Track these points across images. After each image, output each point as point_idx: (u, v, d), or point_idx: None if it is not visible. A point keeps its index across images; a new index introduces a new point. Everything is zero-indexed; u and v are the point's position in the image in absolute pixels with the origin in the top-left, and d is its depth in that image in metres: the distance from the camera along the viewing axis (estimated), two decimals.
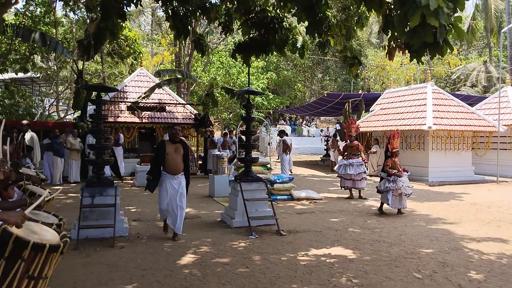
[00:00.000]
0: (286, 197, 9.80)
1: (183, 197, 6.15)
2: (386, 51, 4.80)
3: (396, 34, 4.41)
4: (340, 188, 10.50)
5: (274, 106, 31.04)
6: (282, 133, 15.55)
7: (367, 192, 10.89)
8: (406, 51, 4.42)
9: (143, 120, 15.04)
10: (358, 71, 5.94)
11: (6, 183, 3.22)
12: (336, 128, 23.30)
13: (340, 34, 5.55)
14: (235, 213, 7.02)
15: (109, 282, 4.35)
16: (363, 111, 17.93)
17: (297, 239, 6.23)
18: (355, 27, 6.78)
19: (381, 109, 16.85)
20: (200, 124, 15.14)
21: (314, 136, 28.77)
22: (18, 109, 19.67)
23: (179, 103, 16.41)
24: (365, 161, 10.63)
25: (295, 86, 35.47)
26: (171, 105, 15.96)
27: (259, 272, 4.72)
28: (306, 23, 5.02)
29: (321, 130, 28.98)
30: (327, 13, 5.39)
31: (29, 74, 21.08)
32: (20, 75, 20.47)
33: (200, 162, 15.81)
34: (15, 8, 16.90)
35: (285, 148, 14.54)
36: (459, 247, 5.88)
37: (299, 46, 5.28)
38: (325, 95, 18.81)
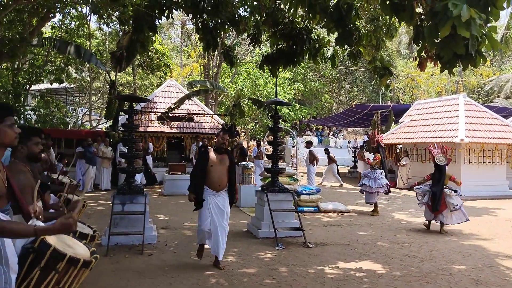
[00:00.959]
0: (312, 208, 9.71)
1: (227, 217, 5.38)
2: (417, 62, 4.73)
3: (426, 45, 4.35)
4: (366, 202, 10.18)
5: (301, 116, 30.97)
6: (309, 143, 15.48)
7: (397, 206, 10.64)
8: (438, 62, 4.34)
9: (172, 130, 15.34)
10: (388, 82, 5.87)
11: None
12: (364, 139, 23.00)
13: (370, 44, 5.52)
14: (261, 223, 7.01)
15: None
16: (393, 123, 17.64)
17: (324, 251, 6.15)
18: (384, 38, 6.73)
19: (411, 120, 16.52)
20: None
21: (341, 147, 28.49)
22: (52, 118, 20.39)
23: (207, 114, 16.65)
24: (367, 160, 10.51)
25: (322, 97, 35.34)
26: (199, 115, 16.21)
27: (286, 284, 4.68)
28: (336, 33, 5.03)
29: (349, 142, 28.70)
30: (357, 23, 5.38)
31: (63, 85, 21.86)
32: (55, 85, 21.26)
33: None
34: (51, 21, 17.69)
35: (312, 159, 14.45)
36: (493, 264, 5.65)
37: (329, 56, 5.28)
38: (353, 106, 18.65)
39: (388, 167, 17.34)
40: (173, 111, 15.30)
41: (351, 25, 4.98)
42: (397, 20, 5.00)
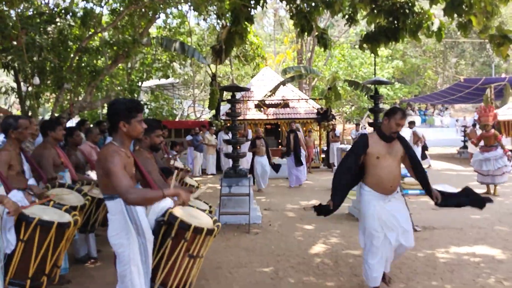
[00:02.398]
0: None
1: (409, 235, 3.78)
2: None
3: None
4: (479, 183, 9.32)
5: (401, 96, 29.24)
6: (412, 124, 14.62)
7: None
8: None
9: (269, 116, 15.75)
10: (509, 51, 5.27)
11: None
12: (474, 117, 20.92)
13: (484, 12, 5.01)
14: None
15: (248, 264, 4.74)
16: (510, 97, 15.74)
17: (434, 235, 5.86)
18: (498, 3, 6.04)
19: None
20: (322, 118, 15.19)
21: (448, 127, 26.27)
22: (162, 111, 22.39)
23: (302, 98, 16.71)
24: (507, 152, 9.29)
25: (425, 74, 32.82)
26: (294, 100, 16.35)
27: (394, 266, 4.59)
28: (444, 4, 4.66)
29: (457, 120, 26.34)
30: None
31: (170, 80, 23.73)
32: (163, 81, 23.19)
33: (323, 155, 15.88)
34: (156, 22, 19.24)
35: (416, 139, 13.63)
36: None
37: (436, 29, 4.92)
38: (462, 80, 17.04)
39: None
40: (269, 98, 15.69)
41: None
42: None
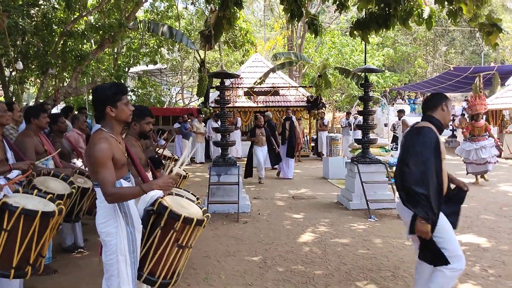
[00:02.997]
0: None
1: None
2: None
3: None
4: (466, 174, 9.40)
5: (391, 84, 29.31)
6: (401, 112, 14.69)
7: (503, 177, 9.71)
8: None
9: (259, 104, 15.64)
10: (497, 40, 5.25)
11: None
12: (463, 106, 21.11)
13: (474, 0, 4.96)
14: (352, 195, 6.94)
15: (236, 253, 4.72)
16: (498, 86, 15.87)
17: None
18: None
19: None
20: (312, 106, 15.15)
21: None
22: (149, 97, 22.12)
23: (292, 86, 16.63)
24: (498, 143, 9.37)
25: (415, 62, 32.90)
26: (284, 88, 16.26)
27: (381, 255, 4.63)
28: None
29: None
30: None
31: (157, 66, 23.43)
32: (150, 67, 22.87)
33: (312, 144, 15.89)
34: (143, 6, 18.85)
35: (405, 128, 13.71)
36: None
37: (426, 17, 4.86)
38: (451, 68, 17.10)
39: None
40: (259, 86, 15.56)
41: None
42: None
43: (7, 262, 2.66)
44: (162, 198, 2.72)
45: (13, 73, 12.23)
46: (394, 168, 9.07)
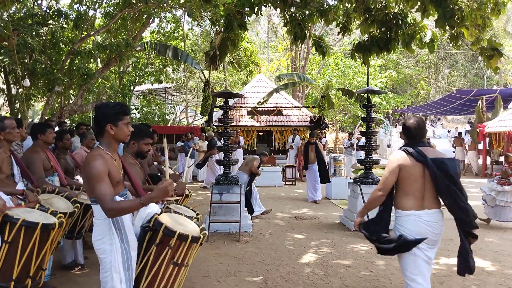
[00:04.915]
0: None
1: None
2: None
3: None
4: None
5: (394, 105, 29.44)
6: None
7: None
8: None
9: (262, 124, 15.74)
10: (498, 64, 5.31)
11: None
12: (465, 129, 21.16)
13: (474, 24, 5.05)
14: (355, 216, 6.87)
15: (237, 273, 4.67)
16: (501, 109, 15.91)
17: None
18: (490, 16, 6.10)
19: None
20: (315, 127, 15.22)
21: (440, 137, 26.44)
22: (154, 116, 22.28)
23: (295, 106, 16.75)
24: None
25: (418, 84, 33.12)
26: (287, 108, 16.38)
27: (384, 277, 4.57)
28: (436, 16, 4.68)
29: (449, 131, 26.54)
30: (459, 2, 4.95)
31: (162, 85, 23.66)
32: (155, 85, 23.12)
33: None
34: (150, 27, 19.21)
35: None
36: None
37: (428, 41, 4.94)
38: (454, 91, 17.22)
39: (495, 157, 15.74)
40: (262, 105, 15.71)
41: (453, 5, 4.58)
42: None
43: (8, 274, 2.67)
44: (158, 215, 2.73)
45: (20, 90, 12.40)
46: None
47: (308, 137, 10.34)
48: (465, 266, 3.23)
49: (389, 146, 19.76)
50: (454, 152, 18.34)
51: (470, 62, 33.22)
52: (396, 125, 27.12)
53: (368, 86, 8.80)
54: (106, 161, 2.50)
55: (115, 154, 2.67)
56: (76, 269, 4.72)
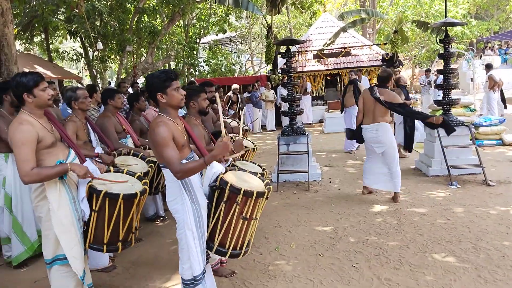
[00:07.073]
0: (495, 142, 8.51)
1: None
2: None
3: None
4: None
5: (478, 34, 26.44)
6: (489, 67, 13.25)
7: None
8: None
9: (329, 67, 15.13)
10: None
11: None
12: None
13: None
14: (431, 160, 6.52)
15: (307, 223, 4.74)
16: None
17: (510, 191, 5.40)
18: None
19: None
20: (388, 65, 14.27)
21: None
22: (221, 67, 22.49)
23: (365, 45, 15.74)
24: None
25: (507, 7, 29.14)
26: (356, 48, 15.47)
27: (462, 225, 4.34)
28: None
29: None
30: None
31: (227, 34, 23.51)
32: (220, 36, 23.06)
33: None
34: None
35: (492, 84, 12.37)
36: None
37: None
38: None
39: None
40: (329, 47, 14.99)
41: None
42: None
43: (100, 238, 2.96)
44: (223, 174, 2.83)
45: (95, 53, 13.15)
46: (480, 129, 8.33)
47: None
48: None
49: (472, 80, 18.03)
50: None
51: None
52: (480, 56, 24.49)
53: (446, 16, 7.91)
54: (169, 127, 2.60)
55: (176, 119, 2.75)
56: (158, 221, 5.13)
